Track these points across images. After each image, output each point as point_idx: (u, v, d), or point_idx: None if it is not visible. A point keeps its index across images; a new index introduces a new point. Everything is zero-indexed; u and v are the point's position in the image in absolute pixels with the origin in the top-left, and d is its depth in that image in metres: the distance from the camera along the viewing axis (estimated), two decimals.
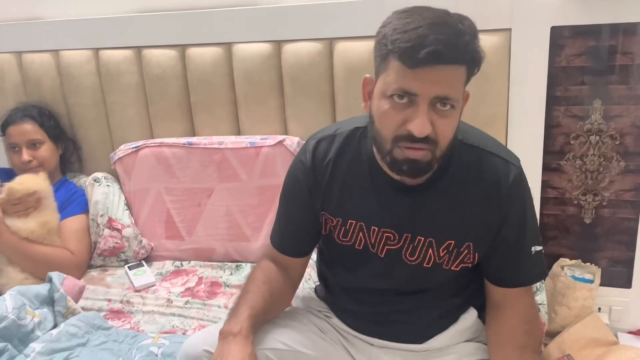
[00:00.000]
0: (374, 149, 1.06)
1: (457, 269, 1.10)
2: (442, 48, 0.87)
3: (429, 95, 0.91)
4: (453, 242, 1.08)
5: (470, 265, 1.10)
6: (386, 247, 1.11)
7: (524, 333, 1.08)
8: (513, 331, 1.09)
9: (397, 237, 1.10)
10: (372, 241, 1.12)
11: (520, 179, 1.07)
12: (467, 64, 0.93)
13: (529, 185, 1.57)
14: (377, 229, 1.11)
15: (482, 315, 1.18)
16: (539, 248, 1.10)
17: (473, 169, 1.05)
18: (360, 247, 1.13)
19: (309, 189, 1.15)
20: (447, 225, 1.07)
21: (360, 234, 1.12)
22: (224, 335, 1.05)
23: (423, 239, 1.08)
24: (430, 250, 1.09)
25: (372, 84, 1.01)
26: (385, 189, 1.08)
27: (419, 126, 0.91)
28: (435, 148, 0.95)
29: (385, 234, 1.10)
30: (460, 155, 1.06)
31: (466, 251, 1.08)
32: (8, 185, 1.72)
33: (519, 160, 1.09)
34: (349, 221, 1.13)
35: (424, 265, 1.10)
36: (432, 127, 0.92)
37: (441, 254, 1.09)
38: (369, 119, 1.03)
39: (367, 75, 1.04)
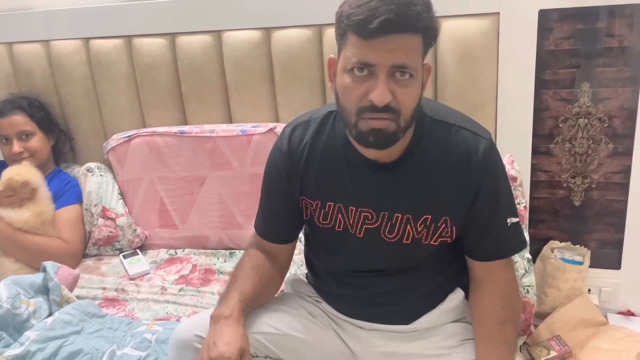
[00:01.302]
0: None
1: (436, 243, 1.12)
2: (392, 17, 0.90)
3: (386, 64, 0.94)
4: (430, 216, 1.09)
5: (449, 239, 1.12)
6: (364, 226, 1.13)
7: (502, 308, 1.11)
8: (492, 307, 1.11)
9: (374, 216, 1.11)
10: (351, 222, 1.13)
11: (491, 151, 1.08)
12: (421, 32, 0.95)
13: (520, 168, 1.56)
14: (354, 209, 1.12)
15: (468, 296, 1.20)
16: (515, 220, 1.11)
17: (444, 143, 1.07)
18: (340, 229, 1.15)
19: (287, 174, 1.17)
20: (422, 201, 1.09)
21: (339, 215, 1.14)
22: (215, 319, 1.07)
23: (400, 215, 1.10)
24: (409, 227, 1.10)
25: (336, 63, 1.03)
26: (360, 169, 1.10)
27: (378, 95, 0.94)
28: (398, 117, 0.98)
29: (362, 214, 1.12)
30: (430, 131, 1.08)
31: (444, 225, 1.10)
32: (7, 176, 1.72)
33: (490, 134, 1.10)
34: (328, 203, 1.14)
35: (404, 241, 1.12)
36: (393, 97, 0.95)
37: (419, 229, 1.10)
38: (335, 96, 1.04)
39: (332, 55, 1.06)
